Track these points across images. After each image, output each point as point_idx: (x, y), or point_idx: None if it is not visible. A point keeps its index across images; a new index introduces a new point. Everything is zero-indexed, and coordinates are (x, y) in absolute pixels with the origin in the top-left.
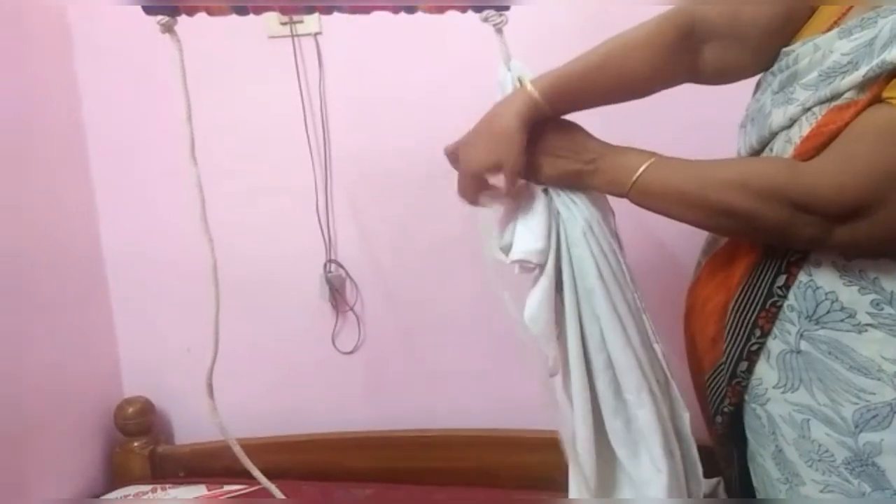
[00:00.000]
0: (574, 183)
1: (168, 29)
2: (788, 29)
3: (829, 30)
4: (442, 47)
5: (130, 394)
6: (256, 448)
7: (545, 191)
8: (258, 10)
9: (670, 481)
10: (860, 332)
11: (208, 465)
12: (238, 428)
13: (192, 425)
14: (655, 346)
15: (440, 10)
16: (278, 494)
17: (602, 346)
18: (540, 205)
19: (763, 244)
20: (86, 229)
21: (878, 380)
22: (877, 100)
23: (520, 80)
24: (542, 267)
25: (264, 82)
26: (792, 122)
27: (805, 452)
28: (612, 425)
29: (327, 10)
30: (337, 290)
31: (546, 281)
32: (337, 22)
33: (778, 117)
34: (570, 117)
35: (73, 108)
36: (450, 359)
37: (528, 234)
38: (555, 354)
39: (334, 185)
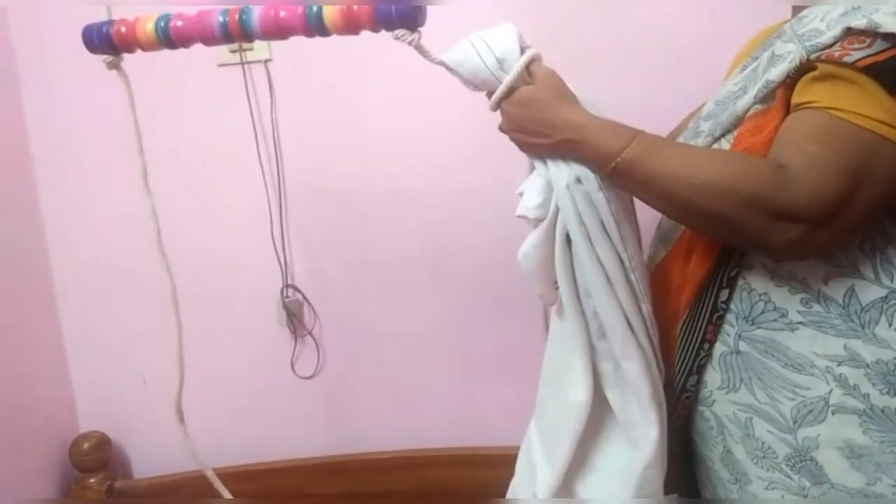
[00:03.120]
0: (552, 157)
1: (114, 66)
2: None
3: None
4: (390, 71)
5: (86, 428)
6: (217, 478)
7: None
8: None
9: (661, 433)
10: (792, 329)
11: (168, 499)
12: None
13: (150, 459)
14: (643, 305)
15: (353, 29)
16: None
17: (590, 294)
18: (539, 162)
19: (710, 262)
20: (34, 258)
21: (812, 375)
22: (784, 106)
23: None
24: (539, 221)
25: (215, 110)
26: None
27: (751, 450)
28: (602, 368)
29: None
30: (295, 315)
31: (541, 230)
32: (287, 48)
33: None
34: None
35: (18, 134)
36: (410, 381)
37: (531, 192)
38: (542, 291)
39: (289, 211)
